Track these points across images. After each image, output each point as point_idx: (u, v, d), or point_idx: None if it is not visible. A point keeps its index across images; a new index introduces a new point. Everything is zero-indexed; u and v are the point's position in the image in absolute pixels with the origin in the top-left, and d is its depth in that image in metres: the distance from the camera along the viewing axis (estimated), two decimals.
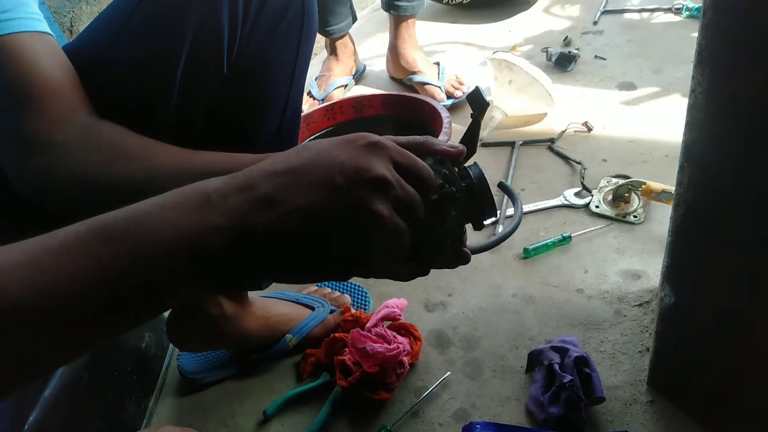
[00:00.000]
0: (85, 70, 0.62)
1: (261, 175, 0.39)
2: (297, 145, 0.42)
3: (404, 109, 1.41)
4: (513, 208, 0.54)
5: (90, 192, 0.57)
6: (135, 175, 0.57)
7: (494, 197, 0.50)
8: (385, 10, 1.69)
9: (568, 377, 0.79)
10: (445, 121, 1.26)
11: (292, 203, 0.37)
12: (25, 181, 0.57)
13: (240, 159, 0.57)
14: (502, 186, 0.57)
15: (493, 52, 1.52)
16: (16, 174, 0.57)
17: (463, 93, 1.66)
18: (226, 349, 0.99)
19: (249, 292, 0.95)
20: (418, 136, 0.49)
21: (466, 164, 0.50)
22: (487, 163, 1.39)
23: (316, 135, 1.37)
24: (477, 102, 0.53)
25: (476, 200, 0.49)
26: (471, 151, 0.52)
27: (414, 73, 1.71)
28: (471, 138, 0.53)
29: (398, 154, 0.42)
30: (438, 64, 1.74)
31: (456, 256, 0.50)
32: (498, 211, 0.50)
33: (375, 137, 0.41)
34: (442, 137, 1.21)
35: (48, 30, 0.62)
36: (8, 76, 0.56)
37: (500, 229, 1.17)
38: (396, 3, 1.65)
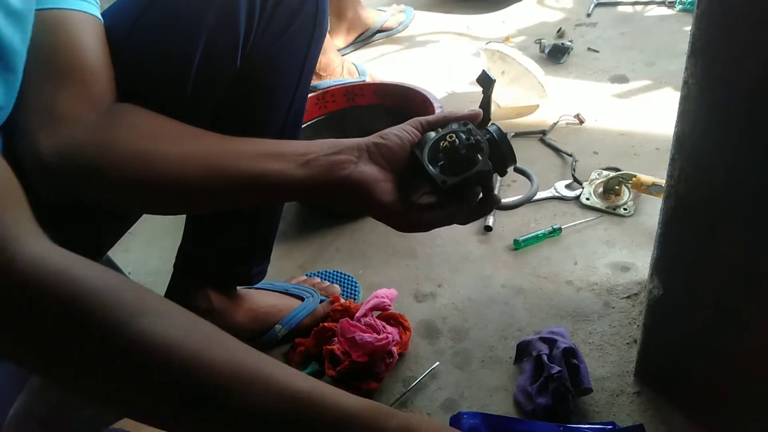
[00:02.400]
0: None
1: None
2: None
3: (396, 99, 1.40)
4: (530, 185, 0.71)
5: (121, 170, 0.57)
6: (192, 152, 0.58)
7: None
8: None
9: (556, 368, 0.79)
10: (437, 111, 1.26)
11: None
12: (46, 153, 0.55)
13: (284, 150, 0.60)
14: (517, 169, 0.68)
15: (486, 43, 1.52)
16: (36, 147, 0.56)
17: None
18: None
19: (238, 285, 0.94)
20: (439, 113, 0.61)
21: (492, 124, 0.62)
22: None
23: (308, 123, 1.36)
24: (485, 81, 0.65)
25: (497, 149, 0.59)
26: (486, 118, 0.63)
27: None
28: (485, 104, 0.64)
29: None
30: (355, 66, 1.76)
31: (487, 197, 0.62)
32: (515, 165, 0.66)
33: None
34: None
35: (98, 14, 0.63)
36: (54, 49, 0.57)
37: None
38: None
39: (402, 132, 0.62)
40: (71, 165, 0.56)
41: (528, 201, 0.66)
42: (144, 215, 0.81)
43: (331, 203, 0.64)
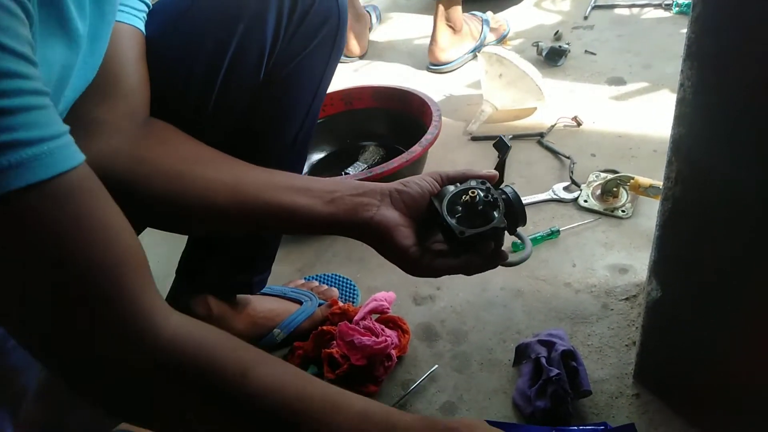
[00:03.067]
0: None
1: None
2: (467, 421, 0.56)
3: (394, 102, 1.40)
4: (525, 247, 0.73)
5: (149, 184, 0.58)
6: (224, 178, 0.61)
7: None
8: None
9: (555, 371, 0.79)
10: (435, 114, 1.26)
11: None
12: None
13: (312, 185, 0.64)
14: (516, 234, 0.71)
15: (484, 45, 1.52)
16: None
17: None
18: None
19: (238, 294, 0.94)
20: (461, 168, 0.68)
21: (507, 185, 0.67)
22: (476, 157, 1.39)
23: None
24: (501, 146, 0.72)
25: (512, 209, 0.64)
26: (501, 180, 0.68)
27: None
28: (501, 166, 0.70)
29: None
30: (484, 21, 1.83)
31: (497, 252, 0.65)
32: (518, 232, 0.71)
33: None
34: (431, 130, 1.21)
35: (142, 28, 0.64)
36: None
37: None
38: None
39: (423, 181, 0.66)
40: (102, 172, 0.57)
41: (525, 260, 0.71)
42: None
43: (349, 238, 0.67)
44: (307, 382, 0.51)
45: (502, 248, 0.66)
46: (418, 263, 0.64)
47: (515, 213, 0.64)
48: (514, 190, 0.65)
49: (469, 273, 0.66)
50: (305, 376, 0.53)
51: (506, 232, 0.65)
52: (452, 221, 0.62)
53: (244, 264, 0.90)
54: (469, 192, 0.63)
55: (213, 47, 0.66)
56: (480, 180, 0.65)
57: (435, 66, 1.80)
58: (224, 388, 0.46)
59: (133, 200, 0.59)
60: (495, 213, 0.63)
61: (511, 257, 0.68)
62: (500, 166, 0.70)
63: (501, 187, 0.66)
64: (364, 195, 0.64)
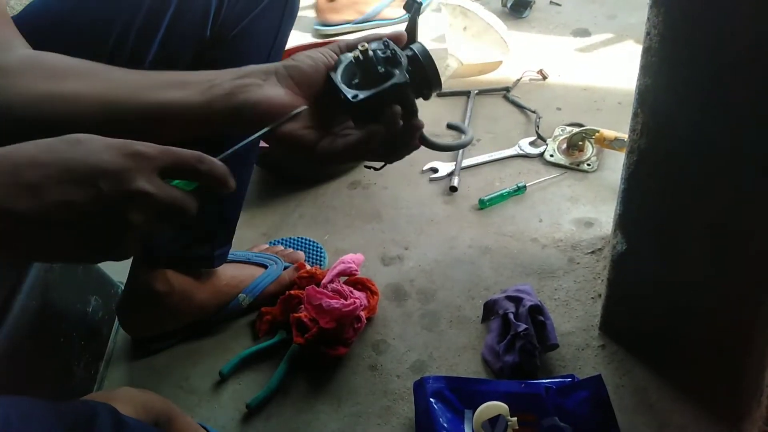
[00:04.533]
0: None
1: (27, 162, 0.40)
2: (66, 135, 0.43)
3: None
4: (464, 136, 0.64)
5: (38, 113, 0.54)
6: (96, 87, 0.55)
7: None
8: None
9: (523, 326, 0.80)
10: None
11: (55, 196, 0.39)
12: None
13: (189, 78, 0.56)
14: (450, 125, 0.61)
15: None
16: None
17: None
18: (181, 325, 0.95)
19: (199, 269, 0.92)
20: (364, 35, 0.57)
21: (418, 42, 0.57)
22: (442, 113, 1.37)
23: None
24: (411, 5, 0.60)
25: (419, 66, 0.55)
26: (413, 39, 0.58)
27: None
28: (411, 27, 0.58)
29: (163, 159, 0.43)
30: None
31: (408, 119, 0.55)
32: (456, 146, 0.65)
33: (140, 147, 0.43)
34: None
35: None
36: None
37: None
38: None
39: (316, 53, 0.56)
40: None
41: (462, 147, 0.63)
42: None
43: (240, 131, 0.59)
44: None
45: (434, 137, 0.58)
46: (316, 148, 0.55)
47: (423, 70, 0.55)
48: (423, 47, 0.56)
49: (384, 154, 0.58)
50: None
51: (421, 97, 0.57)
52: (345, 87, 0.53)
53: (203, 237, 0.88)
54: (359, 46, 0.53)
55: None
56: (382, 41, 0.55)
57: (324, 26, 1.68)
58: None
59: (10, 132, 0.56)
60: (397, 71, 0.53)
61: (439, 140, 0.60)
62: (411, 27, 0.59)
63: (410, 45, 0.56)
64: (245, 77, 0.55)
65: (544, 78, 1.40)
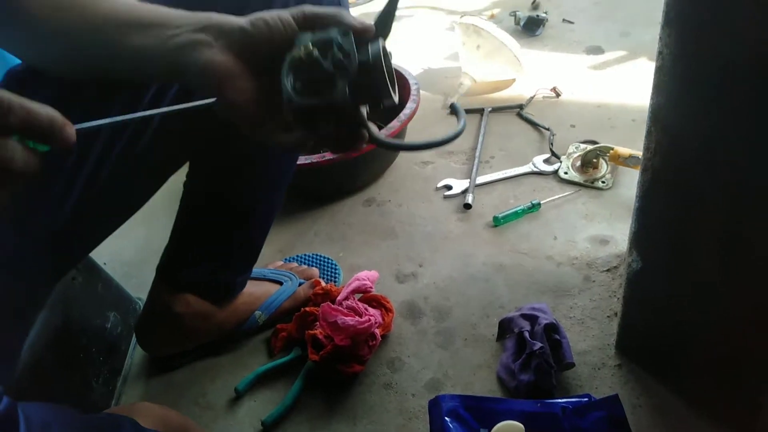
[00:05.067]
0: None
1: None
2: None
3: None
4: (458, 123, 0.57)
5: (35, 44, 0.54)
6: (79, 24, 0.53)
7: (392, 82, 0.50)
8: None
9: (538, 344, 0.80)
10: (413, 88, 1.24)
11: None
12: None
13: (155, 20, 0.52)
14: (452, 107, 0.56)
15: (461, 16, 1.49)
16: None
17: None
18: (198, 344, 0.96)
19: (220, 295, 0.93)
20: (332, 8, 0.51)
21: (380, 42, 0.50)
22: (454, 128, 1.37)
23: None
24: None
25: (367, 77, 0.48)
26: (383, 32, 0.51)
27: None
28: (384, 18, 0.52)
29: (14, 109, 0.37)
30: None
31: (351, 132, 0.50)
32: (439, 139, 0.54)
33: None
34: (410, 104, 1.19)
35: None
36: None
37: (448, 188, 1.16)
38: None
39: (275, 22, 0.50)
40: None
41: (444, 143, 0.54)
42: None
43: (182, 87, 0.56)
44: None
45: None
46: (255, 129, 0.52)
47: (371, 82, 0.48)
48: (381, 50, 0.48)
49: (330, 149, 0.54)
50: None
51: (372, 106, 0.51)
52: (288, 83, 0.48)
53: (228, 266, 0.89)
54: (303, 47, 0.48)
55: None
56: (343, 31, 0.48)
57: None
58: None
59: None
60: (340, 82, 0.47)
61: (394, 140, 0.56)
62: (388, 9, 0.52)
63: (371, 43, 0.49)
64: (203, 30, 0.50)
65: (558, 95, 1.41)
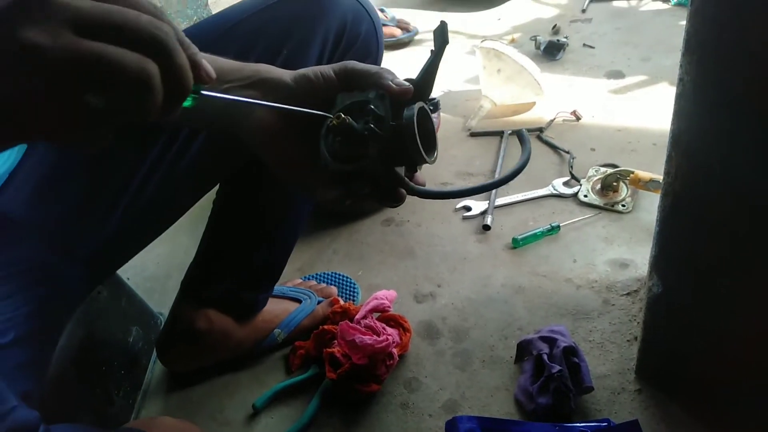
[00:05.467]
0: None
1: None
2: None
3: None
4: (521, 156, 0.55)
5: None
6: None
7: (434, 143, 0.53)
8: None
9: (557, 367, 0.79)
10: (435, 112, 1.25)
11: None
12: None
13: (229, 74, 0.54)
14: (517, 133, 0.57)
15: (482, 41, 1.51)
16: None
17: (406, 32, 1.81)
18: (218, 361, 0.97)
19: (242, 313, 0.94)
20: (374, 67, 0.51)
21: (418, 105, 0.50)
22: (475, 152, 1.39)
23: None
24: (441, 36, 0.50)
25: (401, 143, 0.48)
26: (424, 91, 0.51)
27: None
28: (425, 76, 0.51)
29: (80, 14, 0.31)
30: (383, 10, 1.82)
31: (388, 191, 0.51)
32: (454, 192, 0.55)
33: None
34: None
35: None
36: None
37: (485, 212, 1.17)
38: None
39: (317, 78, 0.51)
40: None
41: (500, 184, 0.55)
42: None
43: (229, 133, 0.57)
44: None
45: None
46: (299, 184, 0.55)
47: (405, 148, 0.48)
48: (413, 116, 0.48)
49: (373, 204, 0.57)
50: None
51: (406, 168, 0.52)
52: (325, 147, 0.49)
53: (250, 283, 0.91)
54: (337, 116, 0.49)
55: (262, 57, 0.67)
56: (380, 94, 0.49)
57: None
58: None
59: None
60: (372, 148, 0.48)
61: (436, 188, 0.54)
62: (429, 68, 0.51)
63: (408, 107, 0.49)
64: (253, 86, 0.52)
65: (578, 119, 1.41)
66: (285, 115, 0.51)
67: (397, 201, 0.51)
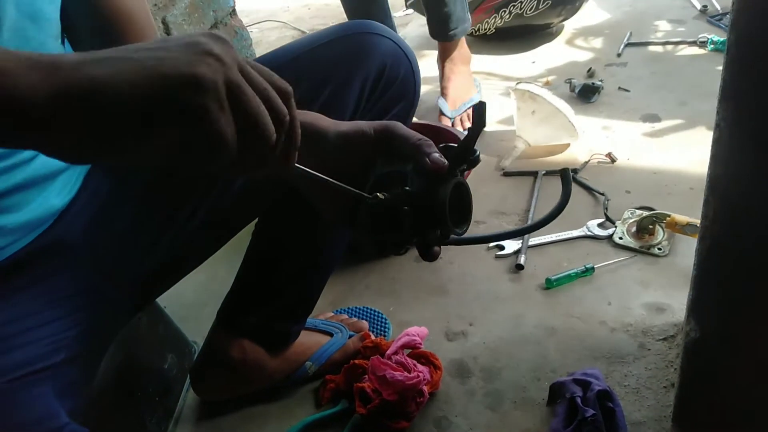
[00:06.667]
0: None
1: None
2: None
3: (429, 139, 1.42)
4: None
5: None
6: None
7: (470, 215, 0.56)
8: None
9: (591, 411, 0.78)
10: None
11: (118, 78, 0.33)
12: None
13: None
14: (561, 172, 0.59)
15: (517, 83, 1.54)
16: None
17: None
18: (250, 391, 0.98)
19: (275, 343, 0.95)
20: (418, 137, 0.53)
21: (454, 181, 0.53)
22: (509, 192, 1.39)
23: None
24: (478, 117, 0.51)
25: (433, 218, 0.51)
26: (460, 165, 0.53)
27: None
28: (462, 152, 0.53)
29: (244, 68, 0.37)
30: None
31: (421, 251, 0.54)
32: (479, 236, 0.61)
33: (219, 49, 0.35)
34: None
35: None
36: None
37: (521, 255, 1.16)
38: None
39: (357, 135, 0.55)
40: None
41: (538, 227, 0.58)
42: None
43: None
44: None
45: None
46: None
47: (437, 221, 0.51)
48: (446, 195, 0.51)
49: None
50: None
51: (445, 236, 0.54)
52: (363, 217, 0.54)
53: (285, 315, 0.92)
54: (372, 197, 0.53)
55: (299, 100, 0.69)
56: (417, 169, 0.52)
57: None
58: None
59: None
60: (405, 224, 0.52)
61: (474, 234, 0.59)
62: (466, 144, 0.53)
63: (446, 182, 0.52)
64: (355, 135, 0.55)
65: (613, 161, 1.41)
66: (323, 162, 0.53)
67: (431, 258, 0.54)
